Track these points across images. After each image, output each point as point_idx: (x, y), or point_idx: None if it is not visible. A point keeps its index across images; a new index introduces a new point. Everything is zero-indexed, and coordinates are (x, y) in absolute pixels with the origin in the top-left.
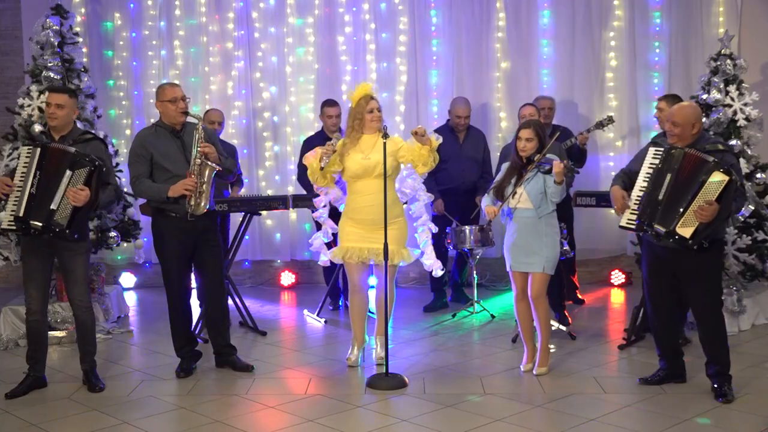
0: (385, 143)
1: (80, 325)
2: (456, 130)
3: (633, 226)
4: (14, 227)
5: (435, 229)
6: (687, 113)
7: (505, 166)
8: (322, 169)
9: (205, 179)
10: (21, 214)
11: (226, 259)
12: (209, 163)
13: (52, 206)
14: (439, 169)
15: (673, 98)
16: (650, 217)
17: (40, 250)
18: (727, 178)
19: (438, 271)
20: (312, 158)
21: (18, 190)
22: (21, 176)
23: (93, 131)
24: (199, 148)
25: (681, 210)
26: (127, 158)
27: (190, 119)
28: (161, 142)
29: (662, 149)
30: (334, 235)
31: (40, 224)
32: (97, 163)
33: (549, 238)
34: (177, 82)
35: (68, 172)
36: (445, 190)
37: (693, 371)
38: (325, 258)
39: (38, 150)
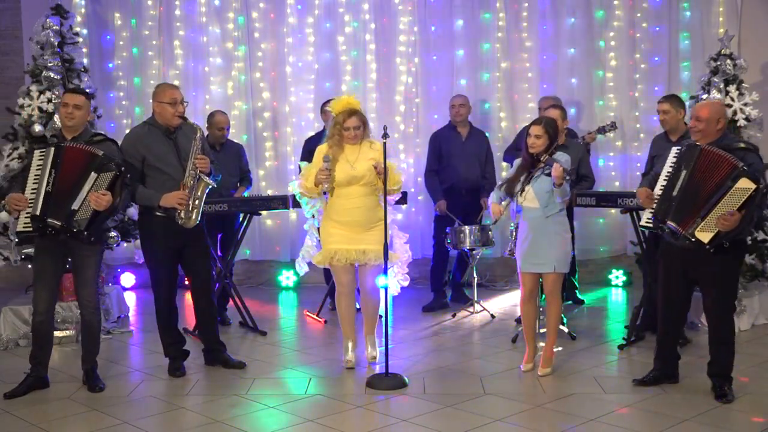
0: (384, 143)
1: (86, 326)
2: (455, 122)
3: (651, 225)
4: (30, 228)
5: (406, 282)
6: (711, 109)
7: (517, 161)
8: (325, 193)
9: (199, 194)
10: (37, 213)
11: (232, 258)
12: (204, 178)
13: (74, 206)
14: (442, 167)
15: (675, 99)
16: (664, 213)
17: (56, 250)
18: (754, 186)
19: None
20: (306, 183)
21: (33, 193)
22: (35, 179)
23: (102, 132)
24: (195, 161)
25: (702, 212)
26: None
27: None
28: (154, 142)
29: (679, 147)
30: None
31: (59, 223)
32: (123, 168)
33: (558, 236)
34: (177, 83)
35: (93, 175)
36: (448, 188)
37: (693, 371)
38: (306, 267)
39: (51, 150)
